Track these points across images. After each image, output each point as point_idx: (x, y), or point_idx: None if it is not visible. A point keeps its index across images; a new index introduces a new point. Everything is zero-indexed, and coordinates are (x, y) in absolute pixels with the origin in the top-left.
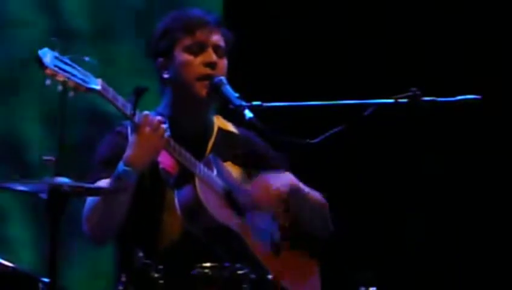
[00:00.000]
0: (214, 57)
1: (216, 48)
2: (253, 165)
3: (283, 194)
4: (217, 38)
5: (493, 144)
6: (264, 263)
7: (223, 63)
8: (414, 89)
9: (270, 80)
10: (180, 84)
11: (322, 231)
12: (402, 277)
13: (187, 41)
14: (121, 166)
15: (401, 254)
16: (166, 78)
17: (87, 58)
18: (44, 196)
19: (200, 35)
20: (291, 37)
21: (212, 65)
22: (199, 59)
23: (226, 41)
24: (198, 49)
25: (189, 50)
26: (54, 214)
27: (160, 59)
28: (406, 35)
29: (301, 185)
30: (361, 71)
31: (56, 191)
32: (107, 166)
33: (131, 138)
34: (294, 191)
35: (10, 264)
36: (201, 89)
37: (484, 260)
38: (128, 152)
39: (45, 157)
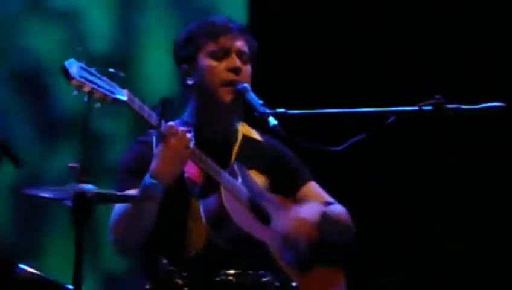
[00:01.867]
0: (238, 63)
1: (240, 54)
2: (278, 173)
3: (315, 225)
4: (240, 44)
5: None
6: (288, 272)
7: (247, 69)
8: (438, 96)
9: (295, 87)
10: (204, 90)
11: (345, 245)
12: (425, 283)
13: (211, 47)
14: (147, 179)
15: (424, 260)
16: (190, 85)
17: (112, 70)
18: (69, 203)
19: (223, 41)
20: (316, 45)
21: (236, 70)
22: (223, 65)
23: (249, 47)
24: (222, 54)
25: (213, 56)
26: (79, 221)
27: (185, 65)
28: (429, 43)
29: (326, 197)
30: (385, 79)
31: (81, 198)
32: (132, 176)
33: (157, 149)
34: (323, 219)
35: (35, 271)
36: (226, 95)
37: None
38: (154, 164)
39: (70, 165)
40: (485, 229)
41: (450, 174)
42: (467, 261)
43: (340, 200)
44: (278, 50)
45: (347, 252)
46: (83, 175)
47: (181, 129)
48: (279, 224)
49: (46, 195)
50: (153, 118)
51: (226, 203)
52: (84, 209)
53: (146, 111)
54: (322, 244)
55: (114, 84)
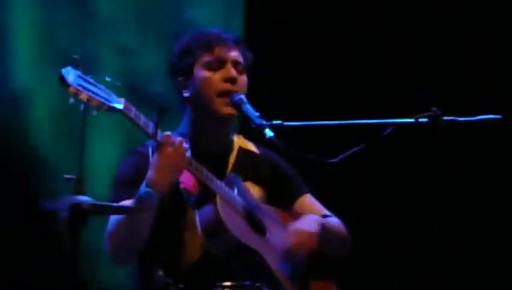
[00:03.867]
0: (234, 72)
1: (235, 64)
2: (274, 185)
3: (313, 236)
4: (235, 54)
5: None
6: (284, 282)
7: (243, 79)
8: (434, 108)
9: (291, 99)
10: (200, 101)
11: (342, 257)
12: (421, 283)
13: (206, 58)
14: (143, 188)
15: (420, 260)
16: (186, 97)
17: (108, 78)
18: (64, 214)
19: (218, 51)
20: (312, 57)
21: (232, 80)
22: (218, 75)
23: (245, 58)
24: (217, 65)
25: (208, 66)
26: (74, 232)
27: (180, 78)
28: (427, 54)
29: (322, 210)
30: (382, 90)
31: (76, 209)
32: (128, 186)
33: (153, 158)
34: (321, 231)
35: None
36: (222, 106)
37: (504, 265)
38: (150, 173)
39: (66, 176)
40: (481, 231)
41: (446, 181)
42: (462, 264)
43: (338, 211)
44: (276, 62)
45: (342, 265)
46: (79, 186)
47: (178, 139)
48: (275, 235)
49: (42, 206)
50: (150, 127)
51: (221, 213)
52: (79, 220)
53: (142, 120)
54: (317, 257)
55: (110, 93)
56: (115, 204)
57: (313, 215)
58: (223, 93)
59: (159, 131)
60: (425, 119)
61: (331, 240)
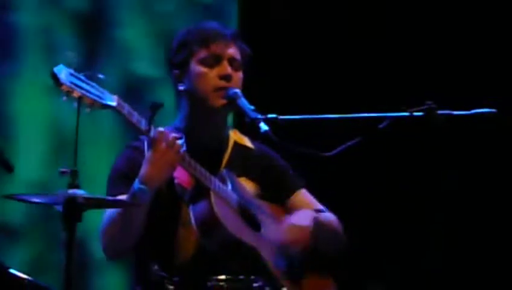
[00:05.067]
0: (229, 70)
1: (231, 61)
2: (268, 181)
3: (307, 232)
4: (232, 51)
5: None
6: (279, 277)
7: (239, 76)
8: (429, 102)
9: (286, 93)
10: (195, 96)
11: (336, 253)
12: (420, 281)
13: (202, 53)
14: (136, 184)
15: (416, 266)
16: (181, 91)
17: (101, 76)
18: (59, 208)
19: (215, 47)
20: (307, 51)
21: (227, 77)
22: (214, 71)
23: (242, 54)
24: (213, 61)
25: (204, 62)
26: (69, 226)
27: (176, 71)
28: (422, 48)
29: (316, 205)
30: (377, 84)
31: (71, 203)
32: (123, 181)
33: (147, 154)
34: (315, 226)
35: (26, 277)
36: (217, 100)
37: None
38: (143, 169)
39: (61, 169)
40: (482, 228)
41: (443, 178)
42: (463, 263)
43: (332, 206)
44: (271, 55)
45: (340, 262)
46: (74, 180)
47: (172, 135)
48: (270, 231)
49: (37, 200)
50: (143, 124)
51: (216, 209)
52: (74, 214)
53: (135, 117)
54: (313, 253)
55: (103, 90)
56: (109, 198)
57: (307, 211)
58: (218, 90)
59: (152, 127)
60: (420, 113)
61: (325, 235)
